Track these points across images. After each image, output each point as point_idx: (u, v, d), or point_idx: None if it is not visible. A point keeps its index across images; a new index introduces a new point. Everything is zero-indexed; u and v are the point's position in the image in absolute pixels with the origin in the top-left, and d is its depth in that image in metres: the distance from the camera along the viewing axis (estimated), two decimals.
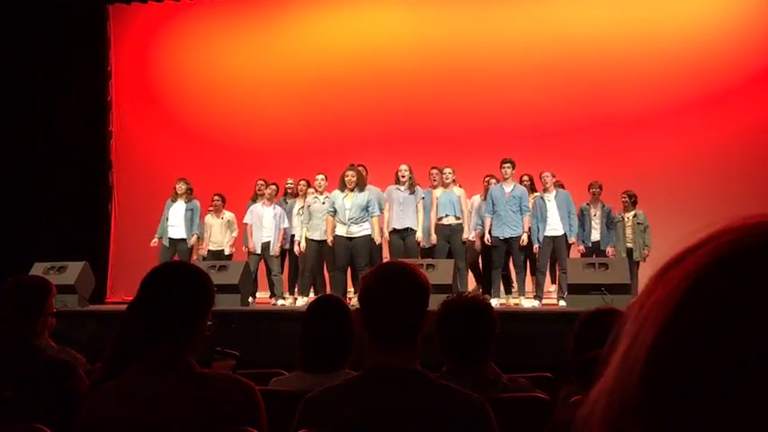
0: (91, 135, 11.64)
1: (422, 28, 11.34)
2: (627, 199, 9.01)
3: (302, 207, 9.05)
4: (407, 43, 11.29)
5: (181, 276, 2.03)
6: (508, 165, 8.54)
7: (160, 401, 1.88)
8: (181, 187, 9.44)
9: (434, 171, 8.82)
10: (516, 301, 8.85)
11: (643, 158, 10.33)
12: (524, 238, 8.43)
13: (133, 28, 12.15)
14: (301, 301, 8.86)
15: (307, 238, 8.81)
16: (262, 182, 9.33)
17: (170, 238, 9.37)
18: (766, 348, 0.44)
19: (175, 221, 9.38)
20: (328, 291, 8.38)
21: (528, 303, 8.59)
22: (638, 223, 8.92)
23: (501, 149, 9.33)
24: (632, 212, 8.99)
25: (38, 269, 8.40)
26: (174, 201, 9.47)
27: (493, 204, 8.51)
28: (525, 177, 9.15)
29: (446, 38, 11.17)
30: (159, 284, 2.01)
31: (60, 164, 11.44)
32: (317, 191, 8.86)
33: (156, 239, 9.48)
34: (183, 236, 9.35)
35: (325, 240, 8.55)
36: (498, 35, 11.07)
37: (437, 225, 8.61)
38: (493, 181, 8.87)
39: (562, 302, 8.31)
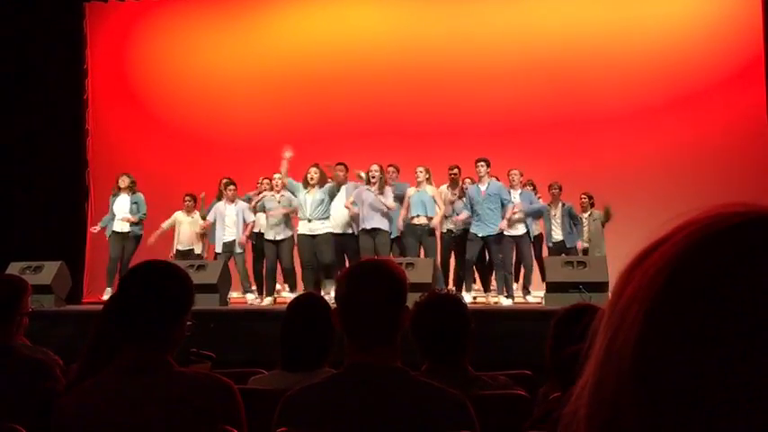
0: (67, 133, 11.52)
1: (397, 26, 11.35)
2: (586, 199, 9.41)
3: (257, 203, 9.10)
4: (383, 40, 11.29)
5: (160, 276, 2.02)
6: (482, 164, 8.54)
7: (138, 401, 1.87)
8: (124, 180, 9.54)
9: (391, 169, 8.78)
10: (495, 299, 8.88)
11: (616, 157, 10.40)
12: (503, 224, 8.35)
13: (110, 25, 12.03)
14: (267, 301, 8.87)
15: (264, 239, 8.89)
16: (226, 180, 9.31)
17: (114, 232, 9.46)
18: (756, 326, 0.44)
19: (120, 215, 9.48)
20: (300, 288, 8.45)
21: (506, 301, 8.63)
22: (594, 220, 9.24)
23: (477, 147, 9.38)
24: (589, 212, 9.37)
25: (14, 268, 8.30)
26: (116, 195, 9.56)
27: (471, 205, 8.51)
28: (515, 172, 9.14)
29: (422, 35, 11.17)
30: (138, 283, 2.00)
31: (36, 163, 11.30)
32: (273, 189, 8.90)
33: (98, 227, 9.74)
34: (128, 229, 9.45)
35: (282, 240, 8.73)
36: (474, 33, 11.10)
37: (408, 225, 8.59)
38: (468, 180, 8.91)
39: (529, 298, 8.59)
